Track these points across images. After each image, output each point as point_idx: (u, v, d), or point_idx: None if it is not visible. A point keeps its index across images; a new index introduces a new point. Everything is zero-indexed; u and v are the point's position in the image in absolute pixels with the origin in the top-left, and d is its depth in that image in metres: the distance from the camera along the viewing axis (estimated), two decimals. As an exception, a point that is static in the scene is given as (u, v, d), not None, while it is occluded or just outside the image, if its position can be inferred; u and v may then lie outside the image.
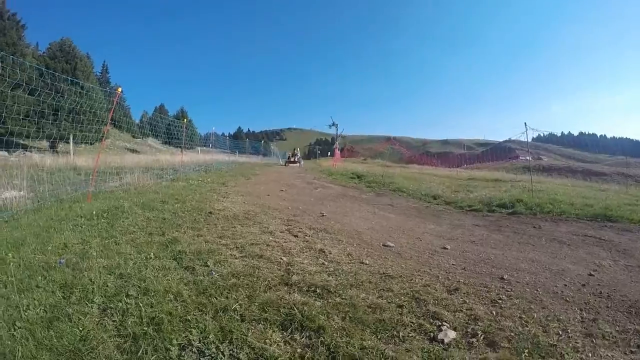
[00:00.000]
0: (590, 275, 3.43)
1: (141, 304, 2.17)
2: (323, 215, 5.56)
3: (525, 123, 9.06)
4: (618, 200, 7.66)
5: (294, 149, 25.03)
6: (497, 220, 6.23)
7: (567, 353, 1.99)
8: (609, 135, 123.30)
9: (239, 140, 39.05)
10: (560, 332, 2.22)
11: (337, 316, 2.16)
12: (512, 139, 13.31)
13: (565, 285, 3.13)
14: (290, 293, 2.45)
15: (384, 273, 3.04)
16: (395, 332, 2.05)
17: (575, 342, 2.11)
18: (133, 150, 26.88)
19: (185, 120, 12.43)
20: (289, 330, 1.98)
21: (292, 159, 23.15)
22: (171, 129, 14.84)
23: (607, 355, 2.00)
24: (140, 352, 1.76)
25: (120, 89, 7.12)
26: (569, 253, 4.24)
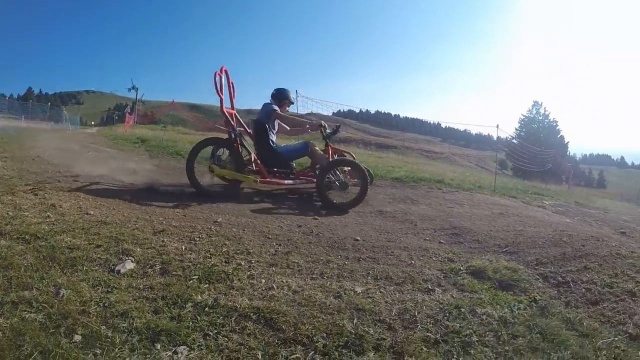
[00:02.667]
0: (315, 219, 3.83)
1: None
2: (78, 176, 5.18)
3: (296, 90, 9.70)
4: (382, 164, 9.03)
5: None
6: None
7: (239, 279, 2.17)
8: (402, 115, 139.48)
9: (27, 103, 33.42)
10: (243, 263, 2.40)
11: (32, 256, 2.32)
12: (314, 112, 14.18)
13: (280, 227, 3.42)
14: (-1, 240, 2.52)
15: (102, 221, 3.10)
16: (81, 267, 2.23)
17: (254, 271, 2.30)
18: None
19: None
20: (-21, 269, 2.12)
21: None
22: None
23: (282, 280, 2.22)
24: None
25: None
26: (310, 205, 4.58)
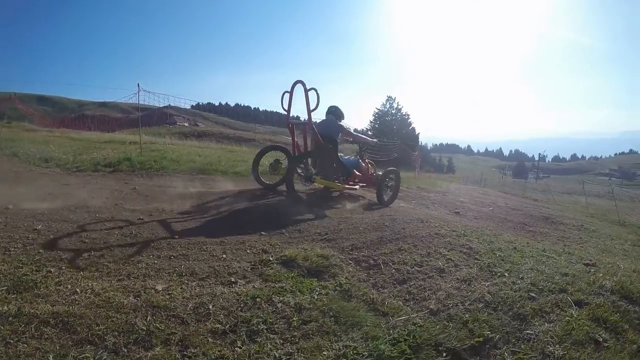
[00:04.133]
0: (139, 219, 3.93)
1: None
2: None
3: (138, 84, 9.36)
4: (225, 158, 9.45)
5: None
6: (92, 179, 6.40)
7: (46, 286, 2.25)
8: (262, 108, 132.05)
9: None
10: (53, 270, 2.47)
11: None
12: (172, 105, 14.17)
13: (98, 230, 3.44)
14: None
15: None
16: None
17: (63, 277, 2.39)
18: None
19: None
20: None
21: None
22: None
23: (88, 284, 2.32)
24: None
25: None
26: (130, 205, 4.64)
